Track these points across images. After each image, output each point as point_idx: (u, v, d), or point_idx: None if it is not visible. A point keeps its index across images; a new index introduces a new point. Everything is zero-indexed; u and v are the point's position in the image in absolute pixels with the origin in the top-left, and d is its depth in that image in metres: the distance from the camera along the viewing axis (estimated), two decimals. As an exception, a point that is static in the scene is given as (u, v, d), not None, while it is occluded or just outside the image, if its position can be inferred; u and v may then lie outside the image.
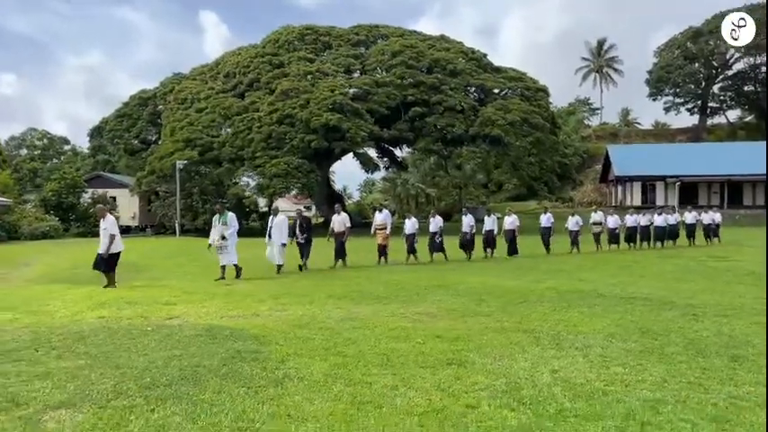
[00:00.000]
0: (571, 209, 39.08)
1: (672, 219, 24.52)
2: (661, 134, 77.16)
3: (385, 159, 54.14)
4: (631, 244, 23.39)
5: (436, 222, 18.38)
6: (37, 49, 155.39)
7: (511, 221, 20.10)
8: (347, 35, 48.14)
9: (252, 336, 6.60)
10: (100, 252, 11.79)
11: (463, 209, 22.15)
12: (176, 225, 37.52)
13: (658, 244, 24.08)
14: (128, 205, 43.65)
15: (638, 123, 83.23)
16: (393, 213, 21.42)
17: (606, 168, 55.10)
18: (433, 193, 54.94)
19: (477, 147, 40.57)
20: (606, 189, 57.80)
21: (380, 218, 17.82)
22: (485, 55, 48.67)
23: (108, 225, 11.79)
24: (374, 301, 9.72)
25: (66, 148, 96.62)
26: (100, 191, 41.78)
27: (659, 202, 48.00)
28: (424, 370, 5.34)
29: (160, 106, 51.93)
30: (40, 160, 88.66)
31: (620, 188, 52.57)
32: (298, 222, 15.75)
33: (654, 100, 76.50)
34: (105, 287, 11.39)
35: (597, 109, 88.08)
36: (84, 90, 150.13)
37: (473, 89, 44.73)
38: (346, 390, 4.70)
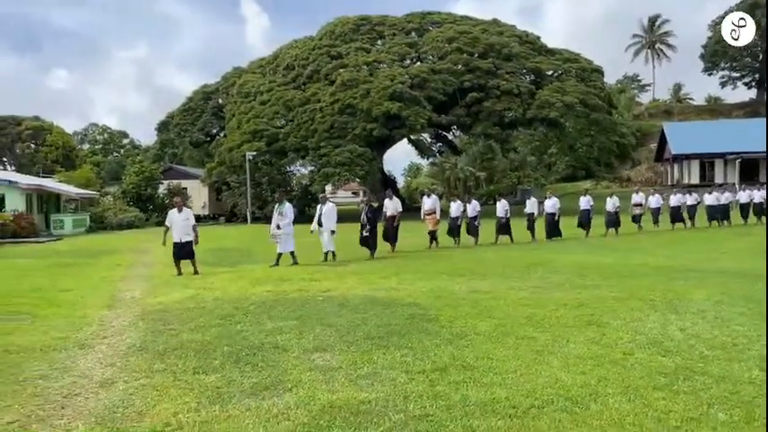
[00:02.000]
0: (628, 189, 39.21)
1: (723, 198, 23.95)
2: (717, 110, 75.05)
3: (439, 144, 55.06)
4: (676, 224, 22.88)
5: (474, 206, 18.83)
6: (84, 43, 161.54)
7: (551, 204, 19.78)
8: (401, 24, 48.97)
9: (409, 303, 7.86)
10: (189, 240, 12.65)
11: (496, 195, 22.71)
12: (247, 213, 39.58)
13: (715, 222, 23.49)
14: (198, 195, 46.06)
15: (691, 99, 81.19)
16: (440, 197, 21.72)
17: (662, 147, 54.34)
18: (482, 177, 55.57)
19: (535, 129, 40.96)
20: (662, 168, 57.07)
21: (429, 203, 17.74)
22: (538, 37, 48.77)
23: (190, 216, 13.04)
24: (482, 277, 10.82)
25: (125, 141, 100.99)
26: (174, 182, 44.25)
27: (718, 180, 47.24)
28: (570, 329, 6.44)
29: (220, 100, 54.07)
30: (102, 154, 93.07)
31: (676, 167, 51.89)
32: (365, 211, 15.56)
33: (709, 75, 74.45)
34: (197, 273, 12.35)
35: (647, 85, 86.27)
36: (133, 83, 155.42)
37: (528, 72, 45.00)
38: (518, 342, 5.86)
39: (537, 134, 41.02)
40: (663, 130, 53.78)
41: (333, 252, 14.51)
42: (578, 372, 4.86)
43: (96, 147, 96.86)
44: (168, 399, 4.23)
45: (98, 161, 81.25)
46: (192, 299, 8.69)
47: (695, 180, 48.47)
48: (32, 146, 60.98)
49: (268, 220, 16.27)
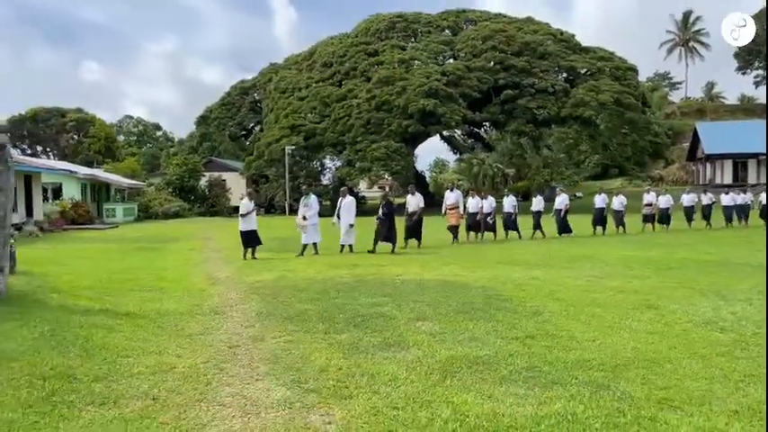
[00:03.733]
0: (659, 187, 39.43)
1: (740, 198, 23.88)
2: (750, 109, 74.12)
3: (471, 140, 55.74)
4: (691, 222, 22.96)
5: (510, 201, 19.26)
6: (115, 37, 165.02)
7: (560, 201, 19.98)
8: (436, 21, 49.75)
9: (480, 287, 8.77)
10: (254, 228, 13.75)
11: (506, 190, 22.87)
12: (285, 205, 40.89)
13: (736, 222, 23.46)
14: (237, 187, 47.50)
15: (724, 98, 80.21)
16: (466, 193, 21.46)
17: (694, 146, 54.16)
18: (511, 173, 56.06)
19: (569, 127, 41.45)
20: (694, 167, 56.87)
21: (452, 198, 17.78)
22: (573, 36, 49.08)
23: (253, 206, 14.04)
24: (535, 266, 11.65)
25: (159, 133, 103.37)
26: (215, 174, 45.76)
27: (751, 180, 47.08)
28: (632, 311, 7.26)
29: (256, 95, 55.49)
30: (136, 145, 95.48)
31: (709, 166, 51.72)
32: (382, 204, 15.40)
33: (743, 74, 73.65)
34: (254, 258, 13.37)
35: (679, 83, 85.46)
36: (162, 75, 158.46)
37: (563, 70, 45.42)
38: (589, 319, 6.72)
39: (570, 132, 41.45)
40: (695, 129, 53.63)
41: (351, 245, 14.60)
42: (648, 342, 5.70)
43: (131, 138, 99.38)
44: (317, 350, 5.21)
45: (133, 152, 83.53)
46: (282, 278, 9.73)
47: (728, 180, 48.33)
48: (75, 137, 63.19)
49: None
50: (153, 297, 7.62)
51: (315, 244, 14.37)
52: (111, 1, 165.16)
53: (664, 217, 22.29)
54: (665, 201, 22.44)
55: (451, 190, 18.48)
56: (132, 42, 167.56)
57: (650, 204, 22.21)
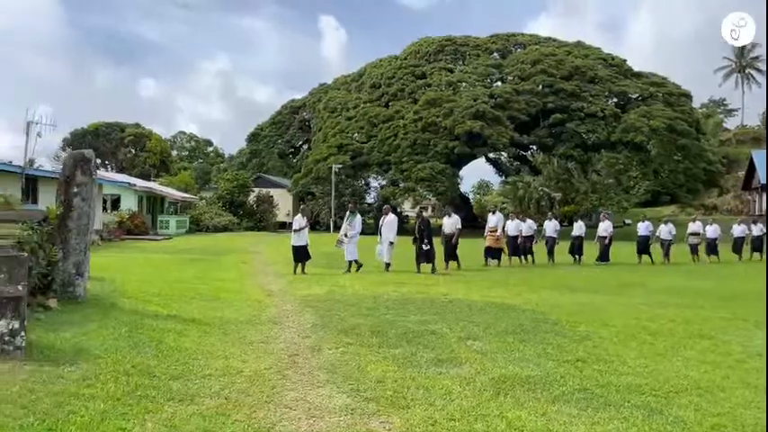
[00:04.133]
0: (710, 216, 38.25)
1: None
2: (811, 138, 70.97)
3: (516, 163, 55.45)
4: (741, 254, 21.92)
5: (552, 225, 18.98)
6: (169, 55, 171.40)
7: (604, 228, 19.54)
8: (484, 44, 50.08)
9: (528, 309, 8.84)
10: (305, 244, 14.13)
11: (549, 214, 22.34)
12: (330, 222, 41.56)
13: None
14: (284, 203, 48.58)
15: (782, 126, 77.19)
16: (506, 216, 20.71)
17: (750, 175, 52.29)
18: (557, 197, 55.34)
19: (619, 153, 40.83)
20: (749, 196, 54.89)
21: (494, 220, 17.68)
22: (624, 60, 48.55)
23: (306, 223, 14.46)
24: (582, 292, 11.61)
25: (209, 149, 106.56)
26: (263, 190, 46.97)
27: (809, 210, 45.07)
28: (684, 339, 7.20)
29: (303, 114, 56.83)
30: (188, 160, 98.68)
31: (765, 196, 49.83)
32: (417, 224, 15.39)
33: (802, 101, 70.68)
34: (304, 273, 13.70)
35: (734, 110, 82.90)
36: (213, 93, 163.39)
37: (613, 95, 44.91)
38: (640, 345, 6.72)
39: (620, 157, 40.81)
40: (751, 157, 51.89)
41: (388, 264, 14.64)
42: (701, 371, 5.69)
43: (183, 153, 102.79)
44: (373, 362, 5.43)
45: (184, 167, 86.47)
46: (332, 293, 10.03)
47: (787, 211, 46.47)
48: (132, 151, 65.95)
49: None
50: (214, 306, 8.02)
51: (356, 261, 14.52)
52: (169, 21, 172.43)
53: (711, 247, 21.39)
54: (712, 230, 21.54)
55: (493, 213, 18.47)
56: (187, 61, 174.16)
57: (696, 234, 21.39)
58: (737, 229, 22.75)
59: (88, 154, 6.47)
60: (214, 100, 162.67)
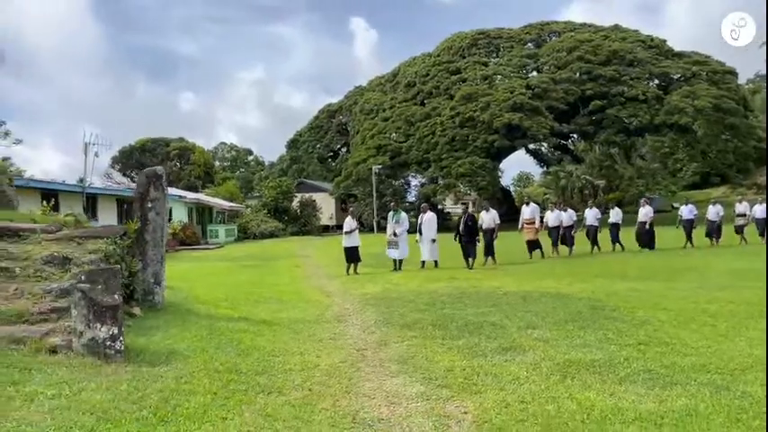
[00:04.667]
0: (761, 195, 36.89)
1: None
2: None
3: (557, 153, 54.74)
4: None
5: (593, 214, 18.75)
6: (206, 68, 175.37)
7: (644, 213, 19.18)
8: (518, 36, 49.63)
9: (584, 298, 8.92)
10: (357, 245, 14.48)
11: (590, 202, 21.62)
12: (374, 223, 42.00)
13: None
14: (326, 207, 49.31)
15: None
16: (543, 207, 19.80)
17: (805, 150, 50.30)
18: (601, 185, 54.26)
19: (664, 135, 39.87)
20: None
21: (528, 212, 17.41)
22: (664, 41, 47.33)
23: (356, 225, 14.74)
24: (636, 279, 11.54)
25: (250, 158, 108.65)
26: (306, 195, 47.81)
27: None
28: (745, 320, 7.17)
29: (339, 117, 57.45)
30: (229, 170, 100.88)
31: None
32: (464, 220, 15.19)
33: None
34: (356, 273, 14.06)
35: (783, 84, 79.38)
36: (250, 102, 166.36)
37: (655, 77, 43.85)
38: (701, 327, 6.75)
39: (665, 140, 39.84)
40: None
41: (436, 261, 14.79)
42: (764, 350, 5.72)
43: (225, 164, 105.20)
44: (439, 353, 5.68)
45: (226, 177, 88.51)
46: (388, 291, 10.33)
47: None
48: (178, 164, 67.99)
49: None
50: (279, 308, 8.42)
51: (401, 261, 14.77)
52: (203, 35, 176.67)
53: (760, 227, 20.47)
54: (761, 210, 20.63)
55: (527, 204, 18.17)
56: (224, 72, 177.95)
57: (743, 215, 20.73)
58: (759, 209, 21.17)
59: (159, 171, 6.95)
60: (251, 109, 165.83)
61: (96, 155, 24.25)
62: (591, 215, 19.13)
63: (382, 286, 11.13)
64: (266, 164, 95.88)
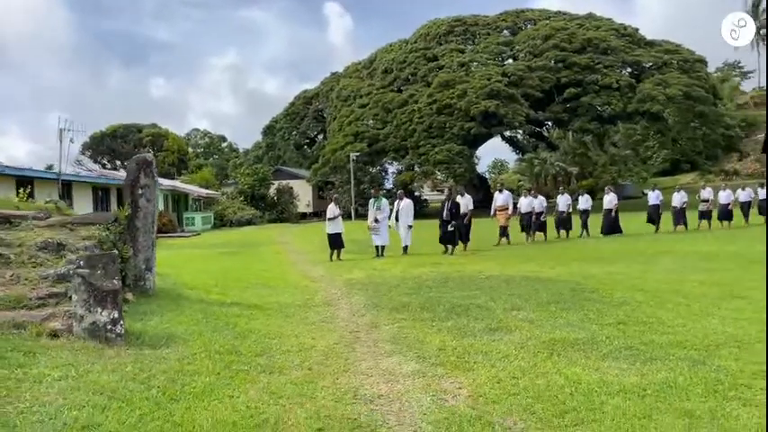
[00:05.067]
0: (733, 182, 38.10)
1: None
2: (832, 97, 69.60)
3: (533, 140, 55.40)
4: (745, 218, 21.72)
5: (564, 200, 19.24)
6: (178, 53, 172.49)
7: (609, 200, 19.75)
8: (494, 23, 49.88)
9: (564, 281, 9.22)
10: (340, 231, 14.70)
11: (561, 188, 22.27)
12: (352, 210, 42.07)
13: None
14: (303, 194, 49.19)
15: (801, 86, 75.76)
16: (518, 194, 20.30)
17: (772, 137, 51.81)
18: (574, 172, 55.19)
19: (636, 123, 40.68)
20: (772, 160, 54.37)
21: (501, 199, 17.64)
22: (636, 30, 48.08)
23: (339, 211, 14.98)
24: (611, 263, 11.90)
25: (224, 144, 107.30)
26: (283, 182, 47.61)
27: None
28: (717, 300, 7.53)
29: (316, 104, 57.16)
30: (203, 157, 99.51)
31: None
32: (447, 206, 15.10)
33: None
34: (339, 259, 14.24)
35: (750, 72, 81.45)
36: (223, 88, 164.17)
37: (628, 66, 44.60)
38: (676, 307, 7.08)
39: (637, 128, 40.70)
40: (772, 119, 51.31)
41: (407, 246, 15.00)
42: (737, 327, 6.05)
43: (198, 150, 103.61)
44: (430, 334, 5.89)
45: (200, 164, 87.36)
46: (373, 276, 10.50)
47: (809, 172, 46.01)
48: (151, 151, 66.90)
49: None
50: (268, 292, 8.53)
51: (384, 246, 14.95)
52: (176, 19, 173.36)
53: (724, 213, 21.25)
54: (725, 196, 21.35)
55: (500, 191, 18.36)
56: (196, 57, 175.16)
57: (707, 200, 21.22)
58: (743, 194, 22.51)
59: (149, 158, 6.97)
60: (224, 95, 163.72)
61: (72, 141, 23.83)
62: (562, 201, 19.54)
63: (367, 272, 11.31)
64: (240, 150, 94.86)
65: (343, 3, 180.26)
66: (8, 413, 3.43)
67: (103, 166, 67.51)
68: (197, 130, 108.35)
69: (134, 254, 6.75)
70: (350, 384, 4.38)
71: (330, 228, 14.64)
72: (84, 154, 66.20)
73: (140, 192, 6.83)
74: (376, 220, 15.07)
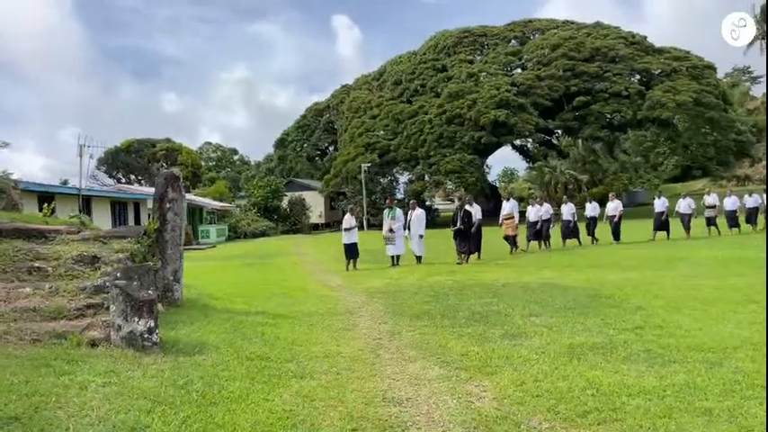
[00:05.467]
0: (745, 188, 37.94)
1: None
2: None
3: (542, 148, 55.42)
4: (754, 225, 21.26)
5: (569, 209, 19.20)
6: (190, 68, 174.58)
7: (613, 207, 19.77)
8: (502, 33, 50.20)
9: (581, 287, 9.35)
10: (355, 241, 14.96)
11: (564, 197, 22.34)
12: (364, 221, 42.32)
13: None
14: (315, 205, 49.54)
15: (812, 90, 75.31)
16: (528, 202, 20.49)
17: (782, 143, 51.56)
18: (584, 179, 55.15)
19: (646, 130, 40.70)
20: (784, 164, 54.05)
21: (508, 207, 17.63)
22: (645, 37, 48.18)
23: (355, 222, 15.11)
24: (628, 269, 12.03)
25: (236, 157, 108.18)
26: (296, 194, 48.00)
27: None
28: (734, 305, 7.62)
29: (327, 116, 57.66)
30: (215, 170, 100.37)
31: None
32: (459, 215, 15.24)
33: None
34: (356, 269, 14.52)
35: (759, 77, 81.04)
36: (234, 101, 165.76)
37: (637, 73, 44.69)
38: (692, 312, 7.19)
39: (648, 135, 40.74)
40: (784, 124, 51.11)
41: (420, 257, 15.17)
42: (753, 330, 6.16)
43: (210, 163, 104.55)
44: (452, 340, 6.05)
45: (212, 177, 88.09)
46: (391, 285, 10.69)
47: (823, 176, 45.70)
48: (165, 165, 67.66)
49: (381, 226, 16.83)
50: (290, 302, 8.74)
51: (398, 256, 15.16)
52: (185, 35, 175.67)
53: (731, 219, 21.05)
54: (731, 202, 21.14)
55: (507, 200, 18.35)
56: (208, 72, 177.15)
57: (713, 207, 21.07)
58: (750, 200, 22.06)
59: (177, 173, 7.23)
60: (235, 108, 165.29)
61: (91, 156, 24.25)
62: (566, 210, 19.52)
63: (384, 281, 11.48)
64: (252, 163, 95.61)
65: (352, 15, 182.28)
66: (60, 417, 3.64)
67: (119, 180, 68.34)
68: (209, 143, 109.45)
69: (162, 266, 6.99)
70: (378, 388, 4.56)
71: (346, 238, 14.87)
72: (99, 169, 67.09)
73: (168, 206, 7.08)
74: (391, 230, 15.25)
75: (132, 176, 70.04)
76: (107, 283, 5.47)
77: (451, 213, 17.69)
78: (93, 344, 5.03)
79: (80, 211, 19.88)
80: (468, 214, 15.42)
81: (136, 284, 5.14)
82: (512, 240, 17.64)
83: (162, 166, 67.62)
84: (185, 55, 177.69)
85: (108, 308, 5.32)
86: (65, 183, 47.36)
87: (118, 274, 5.15)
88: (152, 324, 5.08)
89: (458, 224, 15.03)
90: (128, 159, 66.51)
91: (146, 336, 5.05)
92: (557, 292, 8.85)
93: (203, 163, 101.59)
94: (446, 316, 7.31)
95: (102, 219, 23.25)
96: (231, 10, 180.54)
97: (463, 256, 14.84)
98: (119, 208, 27.44)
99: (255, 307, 8.01)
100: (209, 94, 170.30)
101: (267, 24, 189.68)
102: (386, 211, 15.86)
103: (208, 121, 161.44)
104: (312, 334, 6.47)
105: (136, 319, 5.02)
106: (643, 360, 5.11)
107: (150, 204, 31.18)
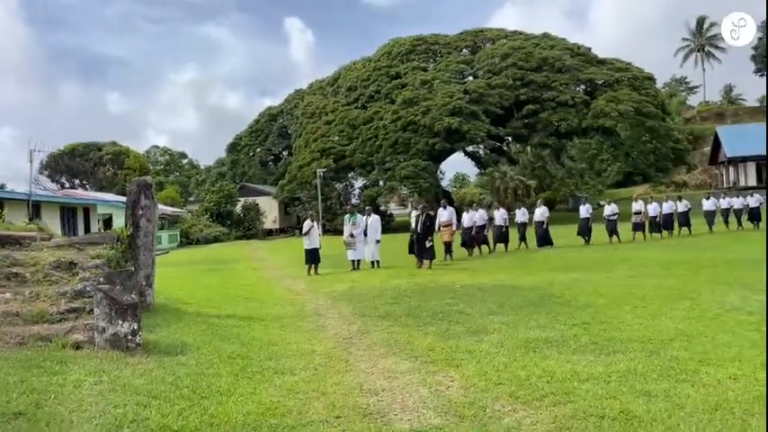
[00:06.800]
0: (682, 193, 40.22)
1: (724, 203, 24.35)
2: (773, 111, 73.96)
3: (493, 155, 56.94)
4: (666, 231, 22.50)
5: (501, 214, 19.96)
6: (136, 69, 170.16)
7: (540, 213, 20.69)
8: (454, 42, 51.40)
9: (532, 288, 9.98)
10: (317, 247, 15.22)
11: (494, 203, 23.51)
12: (319, 226, 42.47)
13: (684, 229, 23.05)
14: (269, 210, 49.30)
15: (743, 100, 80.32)
16: (489, 206, 21.44)
17: (716, 150, 54.65)
18: (533, 185, 57.05)
19: (591, 138, 42.51)
20: (717, 171, 57.30)
21: (446, 215, 17.76)
22: (589, 49, 50.27)
23: (315, 226, 15.49)
24: (577, 271, 12.78)
25: (184, 161, 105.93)
26: (249, 199, 47.63)
27: (777, 181, 47.35)
28: (670, 301, 8.38)
29: (281, 120, 57.50)
30: (163, 174, 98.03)
31: (731, 170, 52.19)
32: (421, 220, 15.42)
33: (761, 75, 73.90)
34: (317, 273, 14.78)
35: (696, 87, 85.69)
36: (182, 104, 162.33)
37: (582, 83, 46.62)
38: (633, 309, 7.88)
39: (592, 143, 42.65)
40: (716, 132, 54.16)
41: (378, 261, 15.64)
42: (686, 324, 6.86)
43: (158, 167, 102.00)
44: (418, 338, 6.49)
45: (160, 181, 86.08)
46: (353, 288, 11.07)
47: (752, 182, 48.70)
48: (111, 169, 65.84)
49: (337, 231, 17.07)
50: (259, 306, 9.00)
51: (359, 261, 15.52)
52: (133, 36, 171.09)
53: (654, 225, 22.33)
54: (652, 209, 22.51)
55: (444, 207, 18.26)
56: (155, 73, 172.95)
57: (639, 213, 22.27)
58: (707, 203, 24.03)
59: (149, 180, 7.41)
60: (183, 111, 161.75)
61: (30, 161, 23.58)
62: (498, 216, 20.21)
63: (347, 284, 11.85)
64: (202, 167, 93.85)
65: (305, 19, 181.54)
66: (62, 412, 3.87)
67: (62, 185, 66.03)
68: (156, 146, 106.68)
69: (136, 270, 7.15)
70: (355, 381, 4.94)
71: (307, 243, 15.15)
72: (42, 173, 64.61)
73: (141, 212, 7.26)
74: (351, 235, 15.63)
75: (76, 181, 67.78)
76: (88, 288, 5.65)
77: (408, 218, 18.07)
78: (78, 346, 5.21)
79: (31, 218, 19.40)
80: (431, 219, 15.80)
81: (119, 288, 5.36)
82: (449, 246, 17.58)
83: (108, 170, 65.83)
84: (132, 55, 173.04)
85: (90, 312, 5.51)
86: (1, 187, 45.49)
87: (101, 279, 5.36)
88: (135, 326, 5.30)
89: (418, 229, 15.34)
90: (71, 163, 64.37)
91: (129, 337, 5.27)
92: (511, 293, 9.44)
93: (151, 167, 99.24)
94: (410, 315, 7.75)
95: (52, 224, 22.60)
96: (180, 9, 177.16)
97: (426, 261, 15.13)
98: (68, 214, 26.74)
99: (225, 310, 8.25)
100: (156, 95, 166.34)
101: (216, 26, 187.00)
102: (347, 217, 16.31)
103: (155, 124, 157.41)
104: (285, 335, 6.78)
105: (120, 322, 5.23)
106: (591, 351, 5.68)
107: (100, 210, 30.50)
